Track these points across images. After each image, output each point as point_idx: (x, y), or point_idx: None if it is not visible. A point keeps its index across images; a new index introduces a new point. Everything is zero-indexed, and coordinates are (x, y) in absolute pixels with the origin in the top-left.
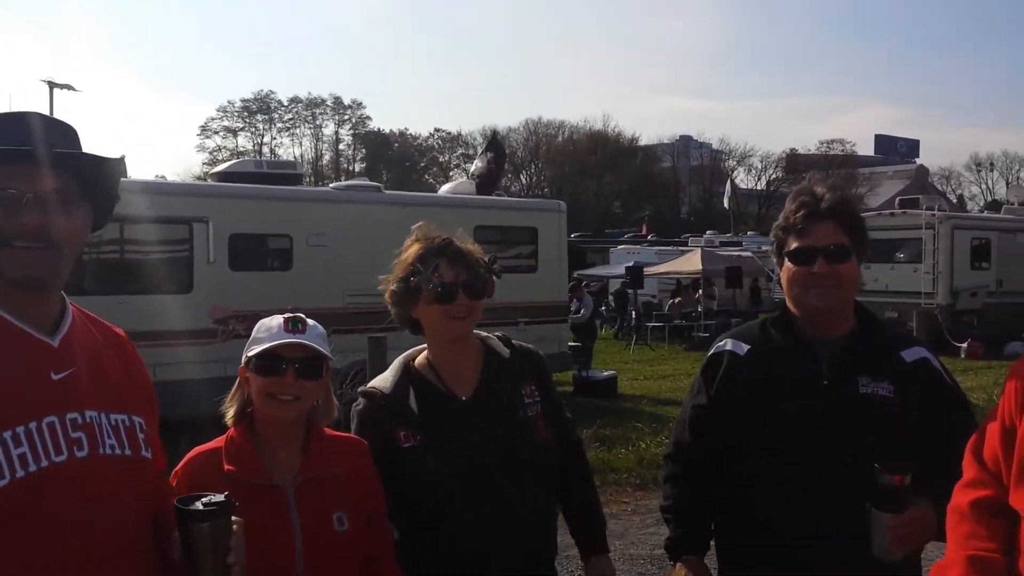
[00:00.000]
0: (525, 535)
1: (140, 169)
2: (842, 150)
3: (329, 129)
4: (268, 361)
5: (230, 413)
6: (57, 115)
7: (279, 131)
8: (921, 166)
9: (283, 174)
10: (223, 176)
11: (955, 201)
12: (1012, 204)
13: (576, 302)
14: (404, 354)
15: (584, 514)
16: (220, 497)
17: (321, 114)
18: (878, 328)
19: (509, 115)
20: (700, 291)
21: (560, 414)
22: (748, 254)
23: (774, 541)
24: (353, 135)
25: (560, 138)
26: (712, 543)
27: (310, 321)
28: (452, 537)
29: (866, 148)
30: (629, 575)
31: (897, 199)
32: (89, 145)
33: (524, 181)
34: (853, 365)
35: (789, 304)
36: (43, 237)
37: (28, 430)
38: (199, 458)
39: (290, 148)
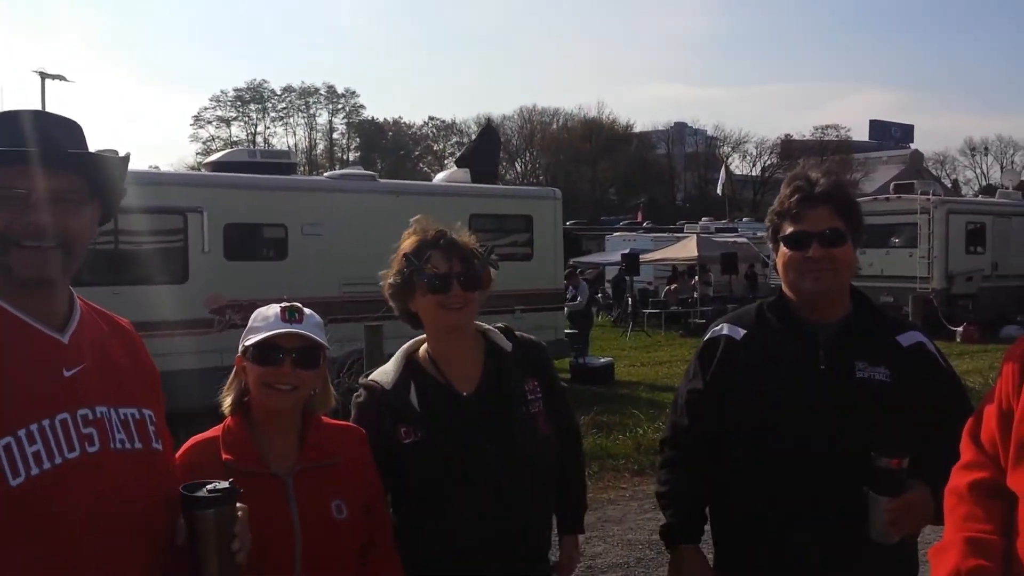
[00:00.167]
0: (523, 532)
1: (133, 160)
2: (837, 136)
3: (323, 118)
4: (265, 351)
5: (227, 402)
6: (49, 106)
7: (273, 120)
8: (916, 151)
9: (277, 163)
10: (217, 166)
11: (950, 186)
12: (1006, 188)
13: (572, 290)
14: (405, 345)
15: (572, 497)
16: (225, 484)
17: (315, 103)
18: (874, 313)
19: (503, 103)
20: (696, 277)
21: (562, 407)
22: (743, 240)
23: (771, 525)
24: (347, 124)
25: (555, 126)
26: (708, 528)
27: (307, 310)
28: (450, 533)
29: (861, 134)
30: (627, 560)
31: (892, 184)
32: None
33: (519, 169)
34: (849, 349)
35: (785, 289)
36: (52, 236)
37: (42, 428)
38: (196, 447)
39: (284, 137)
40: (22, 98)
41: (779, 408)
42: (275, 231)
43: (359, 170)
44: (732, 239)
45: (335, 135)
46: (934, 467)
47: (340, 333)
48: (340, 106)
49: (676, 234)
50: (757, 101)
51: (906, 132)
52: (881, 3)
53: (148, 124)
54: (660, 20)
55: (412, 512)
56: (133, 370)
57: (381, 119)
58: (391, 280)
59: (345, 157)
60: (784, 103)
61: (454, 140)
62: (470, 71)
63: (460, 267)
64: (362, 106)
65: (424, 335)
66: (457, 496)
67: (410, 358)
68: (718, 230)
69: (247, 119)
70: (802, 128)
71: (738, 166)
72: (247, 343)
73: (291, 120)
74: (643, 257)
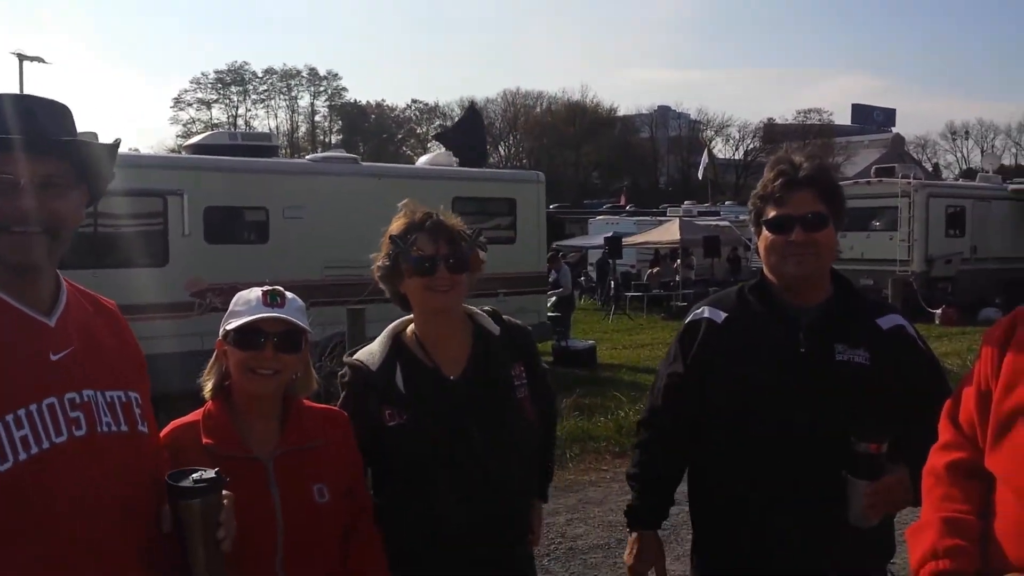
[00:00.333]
0: (509, 516)
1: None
2: (819, 120)
3: (305, 101)
4: (247, 335)
5: (208, 386)
6: (27, 89)
7: (254, 103)
8: (897, 135)
9: (258, 146)
10: (197, 148)
11: (930, 170)
12: (987, 172)
13: (554, 273)
14: (392, 325)
15: (542, 468)
16: (211, 473)
17: (296, 85)
18: (855, 296)
19: (487, 86)
20: (678, 261)
21: (545, 391)
22: (726, 224)
23: (752, 508)
24: (329, 107)
25: (538, 109)
26: (688, 511)
27: (288, 294)
28: (436, 517)
29: (843, 118)
30: (608, 541)
31: (873, 168)
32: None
33: (502, 152)
34: (830, 332)
35: (766, 272)
36: (40, 221)
37: (29, 412)
38: (177, 431)
39: (265, 120)
40: None
41: (760, 391)
42: (256, 214)
43: (341, 153)
44: (714, 223)
45: (317, 118)
46: (913, 449)
47: (322, 316)
48: (322, 89)
49: (659, 217)
50: (740, 85)
51: (888, 116)
52: None
53: (127, 106)
54: (644, 3)
55: (396, 495)
56: (118, 351)
57: (364, 102)
58: (380, 263)
59: (327, 140)
60: (767, 87)
61: (437, 123)
62: (454, 54)
63: (447, 249)
64: (344, 89)
65: (411, 315)
66: (443, 480)
67: (396, 338)
68: (700, 213)
69: (228, 101)
70: (785, 112)
71: (721, 150)
72: (228, 327)
73: (273, 103)
74: (626, 240)
